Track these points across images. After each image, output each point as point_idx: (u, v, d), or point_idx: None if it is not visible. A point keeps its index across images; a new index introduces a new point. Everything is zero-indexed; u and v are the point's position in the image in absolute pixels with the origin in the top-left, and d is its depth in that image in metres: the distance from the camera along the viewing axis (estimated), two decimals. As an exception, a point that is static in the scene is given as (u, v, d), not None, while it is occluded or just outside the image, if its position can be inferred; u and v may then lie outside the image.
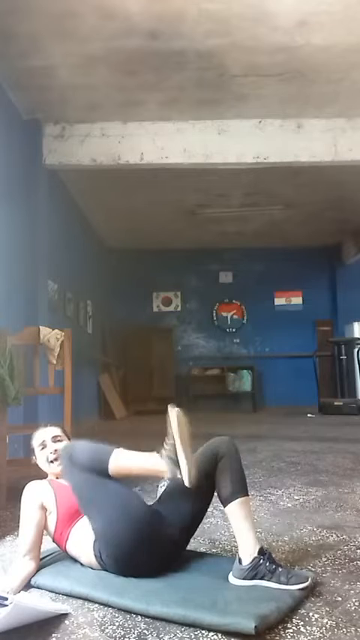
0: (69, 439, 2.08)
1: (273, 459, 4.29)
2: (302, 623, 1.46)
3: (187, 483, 1.65)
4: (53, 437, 2.04)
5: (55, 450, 2.00)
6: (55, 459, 1.99)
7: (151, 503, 1.93)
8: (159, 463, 1.71)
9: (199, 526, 1.93)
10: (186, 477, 1.65)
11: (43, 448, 2.02)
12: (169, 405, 1.74)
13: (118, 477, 1.79)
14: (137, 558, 1.72)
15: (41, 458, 2.01)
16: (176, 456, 1.67)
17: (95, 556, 1.77)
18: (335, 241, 10.48)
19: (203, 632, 1.42)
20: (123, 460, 1.77)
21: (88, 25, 4.10)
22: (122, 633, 1.43)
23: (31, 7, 3.90)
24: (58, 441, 2.03)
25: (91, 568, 1.80)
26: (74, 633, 1.45)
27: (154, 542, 1.74)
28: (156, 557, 1.75)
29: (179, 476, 1.67)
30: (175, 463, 1.67)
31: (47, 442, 2.02)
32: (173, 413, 1.71)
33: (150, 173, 6.34)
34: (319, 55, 4.57)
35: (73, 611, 1.58)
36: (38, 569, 1.82)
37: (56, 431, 2.07)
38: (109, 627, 1.47)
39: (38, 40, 4.27)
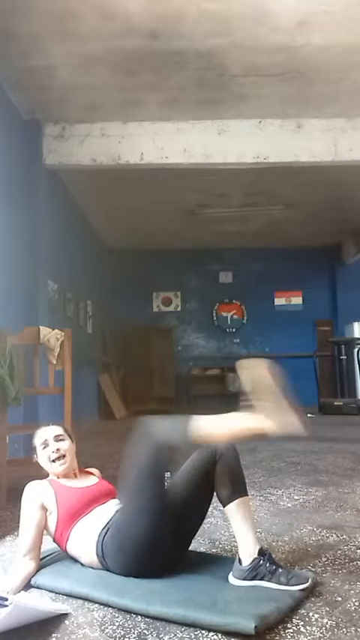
0: (71, 438, 2.07)
1: (273, 459, 4.29)
2: (302, 623, 1.46)
3: (305, 432, 1.53)
4: (56, 436, 2.02)
5: (58, 449, 1.99)
6: (58, 458, 1.98)
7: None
8: (259, 420, 1.54)
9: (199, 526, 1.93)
10: (300, 426, 1.52)
11: (45, 447, 2.00)
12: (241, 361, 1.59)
13: (201, 442, 1.65)
14: (143, 559, 1.71)
15: (43, 457, 2.00)
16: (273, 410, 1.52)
17: (97, 555, 1.77)
18: (335, 241, 10.48)
19: (203, 632, 1.42)
20: (207, 423, 1.62)
21: (88, 25, 4.10)
22: (122, 633, 1.43)
23: (31, 7, 3.90)
24: (61, 440, 2.02)
25: (92, 568, 1.80)
26: (74, 633, 1.45)
27: (159, 544, 1.74)
28: (159, 558, 1.74)
29: (290, 429, 1.52)
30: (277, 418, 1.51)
31: (49, 441, 2.01)
32: (261, 364, 1.56)
33: (150, 173, 6.34)
34: (319, 55, 4.57)
35: (73, 611, 1.58)
36: (38, 569, 1.82)
37: (59, 430, 2.06)
38: (109, 627, 1.47)
39: (38, 40, 4.27)
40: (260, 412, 1.54)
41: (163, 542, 1.73)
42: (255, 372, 1.58)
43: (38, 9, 3.92)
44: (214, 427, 1.64)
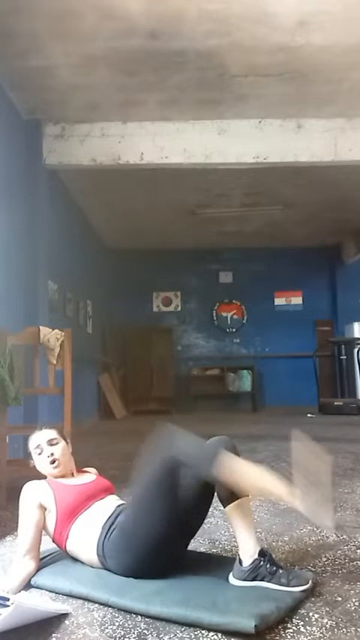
0: (66, 440, 2.06)
1: (273, 459, 4.29)
2: (302, 623, 1.46)
3: (332, 528, 1.63)
4: (49, 440, 2.01)
5: (52, 454, 1.98)
6: (52, 462, 1.97)
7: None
8: (283, 487, 1.57)
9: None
10: (330, 522, 1.56)
11: (40, 453, 2.00)
12: (294, 431, 1.60)
13: (218, 481, 1.66)
14: (149, 559, 1.71)
15: (39, 462, 2.00)
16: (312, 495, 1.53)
17: (97, 554, 1.77)
18: (335, 241, 10.48)
19: (203, 632, 1.42)
20: (236, 467, 1.64)
21: (88, 25, 4.10)
22: (122, 633, 1.43)
23: (31, 7, 3.90)
24: (54, 444, 2.01)
25: (91, 566, 1.80)
26: (74, 633, 1.45)
27: (167, 545, 1.74)
28: (164, 559, 1.74)
29: (318, 520, 1.55)
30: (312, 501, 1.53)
31: (43, 446, 2.00)
32: (319, 451, 1.57)
33: (150, 173, 6.34)
34: (319, 55, 4.57)
35: (73, 611, 1.58)
36: (38, 569, 1.82)
37: (52, 434, 2.04)
38: (109, 627, 1.47)
39: (38, 40, 4.27)
40: (297, 488, 1.56)
41: (170, 544, 1.73)
42: (310, 456, 1.61)
43: (38, 9, 3.92)
44: (241, 471, 1.64)
